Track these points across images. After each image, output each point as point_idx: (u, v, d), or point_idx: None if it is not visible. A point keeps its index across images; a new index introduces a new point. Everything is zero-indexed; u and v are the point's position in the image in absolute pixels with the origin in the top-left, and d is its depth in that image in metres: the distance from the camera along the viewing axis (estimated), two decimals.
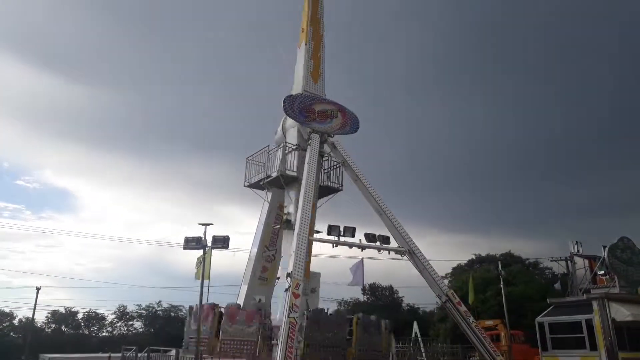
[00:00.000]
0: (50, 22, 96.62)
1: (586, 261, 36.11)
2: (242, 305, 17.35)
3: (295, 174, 18.06)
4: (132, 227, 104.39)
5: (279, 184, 18.57)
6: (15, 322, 49.81)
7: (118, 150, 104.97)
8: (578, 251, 35.87)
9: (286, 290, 12.71)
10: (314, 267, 17.52)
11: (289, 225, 17.20)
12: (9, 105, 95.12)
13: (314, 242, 15.91)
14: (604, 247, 27.62)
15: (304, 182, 16.41)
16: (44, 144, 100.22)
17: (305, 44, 20.04)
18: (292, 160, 18.53)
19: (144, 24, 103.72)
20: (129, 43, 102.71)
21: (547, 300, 21.22)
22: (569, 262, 38.27)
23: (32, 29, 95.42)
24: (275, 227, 18.70)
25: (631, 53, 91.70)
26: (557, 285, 39.89)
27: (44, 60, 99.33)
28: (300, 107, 18.14)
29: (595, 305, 16.38)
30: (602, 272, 32.80)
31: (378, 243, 16.16)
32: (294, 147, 18.49)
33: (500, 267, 31.45)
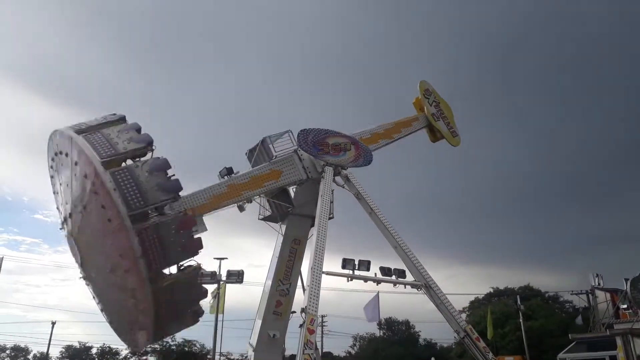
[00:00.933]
0: (77, 61, 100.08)
1: (608, 294, 35.19)
2: (255, 342, 17.21)
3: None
4: None
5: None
6: (30, 357, 49.71)
7: None
8: (599, 284, 35.03)
9: (301, 325, 12.58)
10: (329, 301, 17.35)
11: None
12: (30, 140, 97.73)
13: (329, 276, 15.79)
14: (626, 280, 27.00)
15: (317, 215, 16.45)
16: None
17: None
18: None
19: (162, 61, 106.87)
20: (150, 79, 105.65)
21: (569, 335, 20.65)
22: (590, 295, 37.35)
23: (57, 66, 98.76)
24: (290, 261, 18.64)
25: None
26: (579, 320, 38.76)
27: (66, 98, 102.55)
28: (314, 140, 18.38)
29: (619, 341, 15.94)
30: (625, 306, 31.89)
31: (394, 277, 16.00)
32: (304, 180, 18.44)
33: (519, 301, 30.76)
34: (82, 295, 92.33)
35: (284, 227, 19.25)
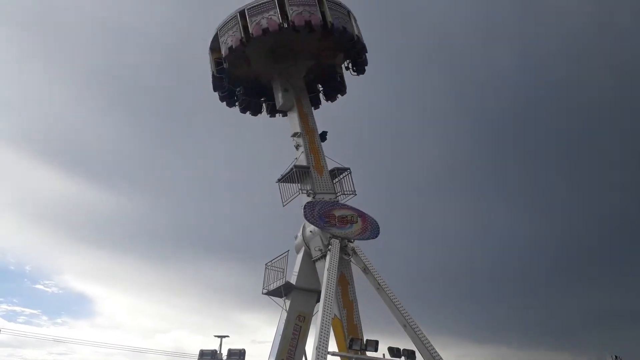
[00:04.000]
0: (75, 123, 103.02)
1: None
2: None
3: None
4: (148, 335, 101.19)
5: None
6: None
7: (138, 256, 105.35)
8: None
9: None
10: None
11: None
12: (35, 208, 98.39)
13: (335, 357, 14.95)
14: None
15: (323, 289, 15.92)
16: (66, 247, 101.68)
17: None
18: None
19: (169, 129, 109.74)
20: (153, 147, 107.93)
21: None
22: None
23: (56, 128, 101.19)
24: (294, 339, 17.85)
25: None
26: None
27: (69, 164, 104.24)
28: (321, 213, 18.25)
29: None
30: None
31: (403, 358, 15.11)
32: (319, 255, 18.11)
33: None
34: None
35: (288, 302, 18.64)
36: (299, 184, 19.44)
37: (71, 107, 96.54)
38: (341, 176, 20.31)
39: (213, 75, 22.29)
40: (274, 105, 22.26)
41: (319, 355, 13.44)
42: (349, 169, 20.52)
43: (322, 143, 20.88)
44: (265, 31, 19.40)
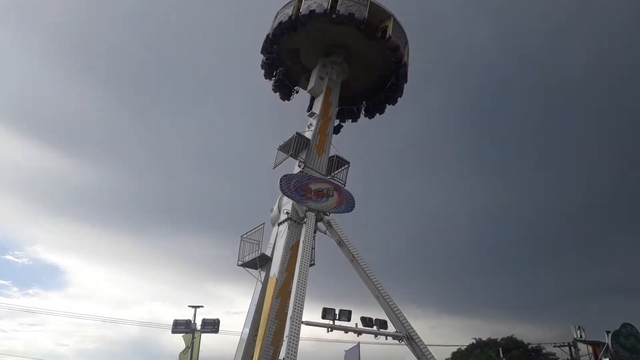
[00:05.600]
0: (53, 95, 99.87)
1: (590, 347, 34.96)
2: None
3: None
4: (121, 306, 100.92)
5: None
6: None
7: (112, 227, 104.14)
8: (581, 337, 34.85)
9: None
10: (308, 352, 16.76)
11: None
12: (5, 179, 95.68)
13: (309, 326, 15.29)
14: (608, 332, 26.96)
15: (298, 261, 16.13)
16: (37, 218, 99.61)
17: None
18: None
19: (146, 102, 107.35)
20: (130, 120, 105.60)
21: None
22: (572, 348, 37.02)
23: (33, 102, 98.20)
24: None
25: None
26: None
27: (43, 134, 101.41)
28: (297, 186, 18.32)
29: None
30: (607, 359, 31.61)
31: (375, 327, 15.56)
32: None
33: (501, 354, 30.27)
34: (51, 341, 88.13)
35: (263, 273, 18.78)
36: (293, 151, 19.62)
37: (48, 77, 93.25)
38: (340, 169, 20.87)
39: (267, 38, 22.58)
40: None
41: (292, 324, 13.73)
42: (349, 163, 21.21)
43: (334, 135, 21.77)
44: (312, 12, 20.56)
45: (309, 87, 22.19)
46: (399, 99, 24.16)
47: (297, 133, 19.95)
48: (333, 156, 21.05)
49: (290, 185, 18.16)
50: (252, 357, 17.42)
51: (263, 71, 23.85)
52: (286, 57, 23.53)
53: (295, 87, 24.53)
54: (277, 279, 16.88)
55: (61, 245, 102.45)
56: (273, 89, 24.26)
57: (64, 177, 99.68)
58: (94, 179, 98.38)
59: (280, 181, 18.04)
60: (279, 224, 18.98)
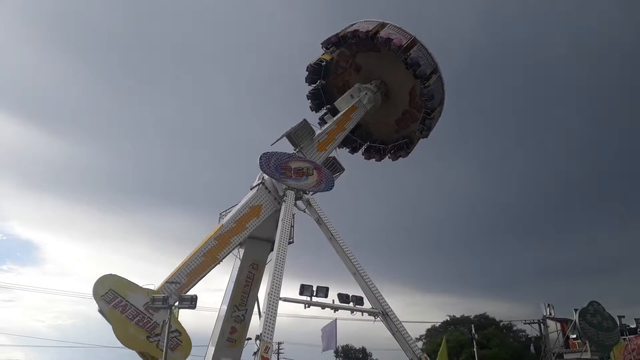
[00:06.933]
0: (30, 72, 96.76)
1: (559, 324, 36.25)
2: None
3: None
4: None
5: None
6: None
7: (87, 202, 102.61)
8: (550, 314, 36.09)
9: (255, 353, 12.21)
10: (286, 327, 17.06)
11: None
12: None
13: (286, 302, 15.50)
14: (575, 310, 27.92)
15: (277, 239, 16.25)
16: (11, 194, 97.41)
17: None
18: None
19: (122, 77, 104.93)
20: (105, 96, 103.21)
21: None
22: (541, 325, 38.32)
23: (9, 77, 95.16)
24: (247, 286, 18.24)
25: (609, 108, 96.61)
26: (532, 349, 39.58)
27: (18, 111, 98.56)
28: (277, 164, 18.29)
29: None
30: (575, 336, 32.86)
31: (351, 304, 15.86)
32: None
33: (473, 331, 31.12)
34: (26, 317, 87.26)
35: (242, 250, 18.87)
36: (293, 132, 19.64)
37: (27, 53, 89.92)
38: (335, 174, 20.83)
39: (332, 38, 22.64)
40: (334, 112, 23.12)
41: (270, 300, 13.91)
42: (344, 170, 21.57)
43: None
44: (354, 32, 21.34)
45: (337, 100, 22.62)
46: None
47: (305, 120, 20.03)
48: (332, 158, 21.19)
49: (270, 163, 18.11)
50: (230, 332, 17.67)
51: (307, 73, 23.51)
52: (333, 75, 23.78)
53: (328, 106, 24.15)
54: (223, 225, 17.11)
55: (36, 221, 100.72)
56: (308, 95, 24.21)
57: (39, 153, 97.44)
58: (69, 155, 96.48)
59: (260, 158, 17.98)
60: (251, 188, 19.08)
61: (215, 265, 16.34)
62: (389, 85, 23.23)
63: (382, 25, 21.28)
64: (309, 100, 24.21)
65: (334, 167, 21.18)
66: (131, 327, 13.81)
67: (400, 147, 24.20)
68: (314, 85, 23.89)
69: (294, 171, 18.53)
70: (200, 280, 16.03)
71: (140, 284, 14.56)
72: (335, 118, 21.82)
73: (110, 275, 14.29)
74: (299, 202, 18.44)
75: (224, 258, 16.69)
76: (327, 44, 22.52)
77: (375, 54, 22.35)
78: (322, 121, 22.92)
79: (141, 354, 14.18)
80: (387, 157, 24.90)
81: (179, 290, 14.86)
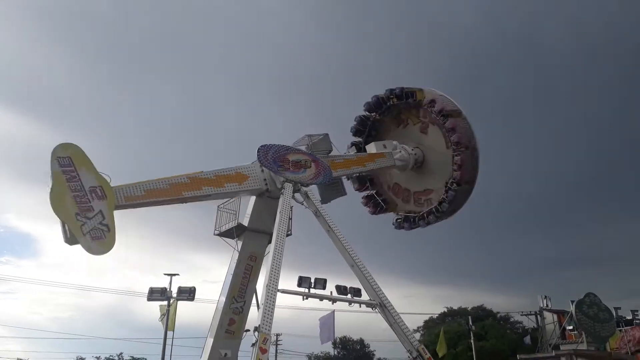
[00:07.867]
0: (22, 62, 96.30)
1: (555, 316, 36.52)
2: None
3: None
4: (96, 275, 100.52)
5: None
6: None
7: None
8: (547, 305, 36.34)
9: (253, 345, 12.27)
10: (285, 319, 17.12)
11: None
12: None
13: (284, 294, 15.57)
14: (572, 302, 28.10)
15: (275, 231, 16.27)
16: (9, 186, 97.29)
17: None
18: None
19: (116, 67, 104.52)
20: (100, 86, 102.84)
21: (517, 356, 21.15)
22: (538, 316, 38.61)
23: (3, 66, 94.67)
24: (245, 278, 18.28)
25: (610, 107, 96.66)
26: (528, 340, 39.91)
27: (16, 102, 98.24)
28: (275, 156, 18.23)
29: None
30: (571, 327, 33.10)
31: (349, 296, 15.94)
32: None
33: (470, 322, 31.32)
34: (24, 309, 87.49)
35: (240, 243, 18.89)
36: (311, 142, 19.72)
37: (27, 46, 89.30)
38: (335, 196, 21.02)
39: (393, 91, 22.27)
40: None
41: (269, 292, 13.96)
42: (345, 194, 21.58)
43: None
44: (440, 111, 20.79)
45: (369, 144, 22.02)
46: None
47: (327, 135, 20.07)
48: (338, 179, 20.86)
49: (268, 156, 18.06)
50: (228, 323, 17.74)
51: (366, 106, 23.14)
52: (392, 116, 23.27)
53: (361, 139, 23.46)
54: (202, 172, 16.56)
55: (34, 213, 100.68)
56: (352, 129, 23.51)
57: (37, 145, 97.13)
58: None
59: (258, 151, 17.91)
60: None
61: (174, 203, 15.77)
62: (426, 158, 22.43)
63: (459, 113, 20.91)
64: (355, 122, 23.50)
65: (337, 188, 21.08)
66: (68, 197, 13.47)
67: (407, 219, 23.31)
68: (370, 113, 23.29)
69: (292, 164, 18.48)
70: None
71: (100, 171, 14.06)
72: (359, 153, 21.70)
73: (76, 146, 13.97)
74: (297, 195, 18.44)
75: (187, 201, 16.01)
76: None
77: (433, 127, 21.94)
78: (350, 145, 22.77)
79: (62, 224, 13.85)
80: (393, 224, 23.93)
81: (127, 199, 14.50)
